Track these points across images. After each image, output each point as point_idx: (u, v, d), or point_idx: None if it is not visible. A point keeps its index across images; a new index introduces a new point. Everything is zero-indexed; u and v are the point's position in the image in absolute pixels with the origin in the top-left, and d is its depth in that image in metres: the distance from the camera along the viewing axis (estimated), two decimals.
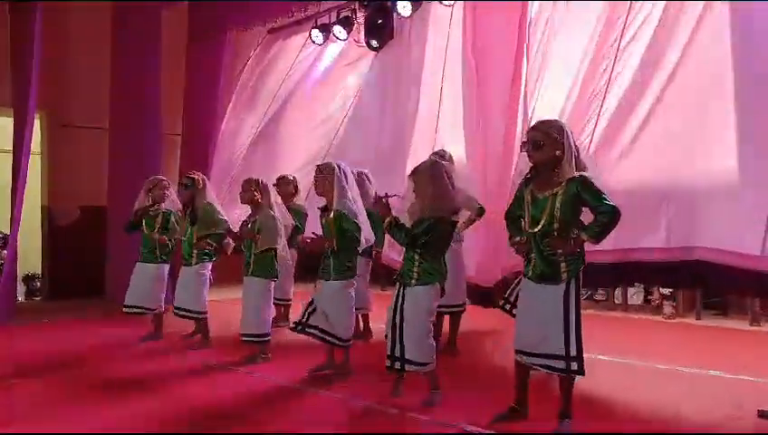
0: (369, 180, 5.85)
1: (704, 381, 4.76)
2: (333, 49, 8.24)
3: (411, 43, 7.24)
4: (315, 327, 4.76)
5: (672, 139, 4.81)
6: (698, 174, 4.66)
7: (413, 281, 4.08)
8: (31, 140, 8.00)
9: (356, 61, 7.88)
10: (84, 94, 8.88)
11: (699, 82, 4.71)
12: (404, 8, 7.20)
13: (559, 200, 3.48)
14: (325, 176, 4.70)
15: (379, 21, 7.47)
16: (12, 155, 8.03)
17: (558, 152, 3.48)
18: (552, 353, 3.48)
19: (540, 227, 3.53)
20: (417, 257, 4.07)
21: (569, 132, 3.54)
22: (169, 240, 6.19)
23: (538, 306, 3.55)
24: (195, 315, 5.92)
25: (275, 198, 5.61)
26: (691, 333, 6.73)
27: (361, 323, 6.20)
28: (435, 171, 4.07)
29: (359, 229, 4.61)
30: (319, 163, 4.98)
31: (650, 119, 4.96)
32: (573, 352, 3.44)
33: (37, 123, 8.86)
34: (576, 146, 3.56)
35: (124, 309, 6.17)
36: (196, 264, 5.86)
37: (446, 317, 5.63)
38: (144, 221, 6.15)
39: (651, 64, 5.02)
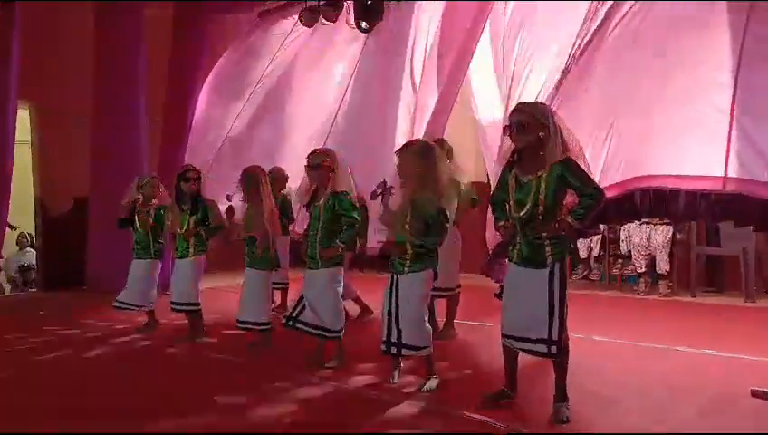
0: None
1: (698, 361, 4.74)
2: (323, 32, 8.12)
3: (400, 27, 7.14)
4: (305, 323, 4.70)
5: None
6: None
7: (406, 269, 4.06)
8: (14, 132, 7.99)
9: (347, 45, 7.76)
10: (74, 85, 8.78)
11: None
12: None
13: (543, 184, 3.43)
14: (323, 168, 4.60)
15: (369, 2, 7.37)
16: None
17: (542, 134, 3.42)
18: (536, 338, 3.47)
19: (524, 211, 3.49)
20: (408, 245, 4.04)
21: (552, 114, 3.49)
22: (162, 237, 6.17)
23: (523, 291, 3.53)
24: (192, 308, 5.84)
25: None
26: (687, 310, 6.72)
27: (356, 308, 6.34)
28: (424, 151, 4.03)
29: (356, 211, 4.56)
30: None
31: None
32: (555, 336, 3.43)
33: (27, 114, 8.85)
34: (561, 128, 3.48)
35: (114, 304, 6.13)
36: (192, 256, 5.81)
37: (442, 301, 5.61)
38: (136, 218, 6.12)
39: None
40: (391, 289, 4.10)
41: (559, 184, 3.43)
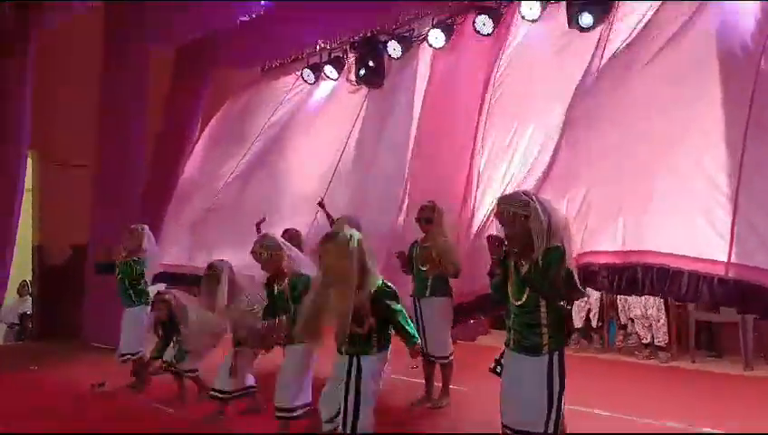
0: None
1: None
2: (324, 89, 8.20)
3: (401, 85, 7.22)
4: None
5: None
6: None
7: (374, 349, 3.84)
8: (24, 179, 8.02)
9: (347, 102, 7.84)
10: (76, 133, 8.85)
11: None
12: (394, 50, 7.23)
13: (538, 274, 3.37)
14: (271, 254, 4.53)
15: (370, 62, 7.46)
16: None
17: (529, 226, 3.39)
18: (533, 431, 3.39)
19: (523, 300, 3.46)
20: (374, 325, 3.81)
21: (536, 203, 3.43)
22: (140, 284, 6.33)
23: (520, 379, 3.47)
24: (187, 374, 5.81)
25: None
26: (686, 380, 6.61)
27: None
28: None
29: None
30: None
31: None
32: (551, 429, 3.36)
33: (28, 161, 8.88)
34: (550, 214, 3.43)
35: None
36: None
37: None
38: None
39: None
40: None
41: (545, 270, 3.36)
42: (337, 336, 3.82)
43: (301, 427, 4.64)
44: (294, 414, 4.52)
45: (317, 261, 3.94)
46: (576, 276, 3.51)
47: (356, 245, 3.72)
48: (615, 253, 4.43)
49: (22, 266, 9.14)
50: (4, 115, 7.97)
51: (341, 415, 3.78)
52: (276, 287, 4.59)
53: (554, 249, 3.37)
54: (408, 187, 6.56)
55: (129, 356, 6.30)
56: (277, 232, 5.85)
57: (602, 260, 4.46)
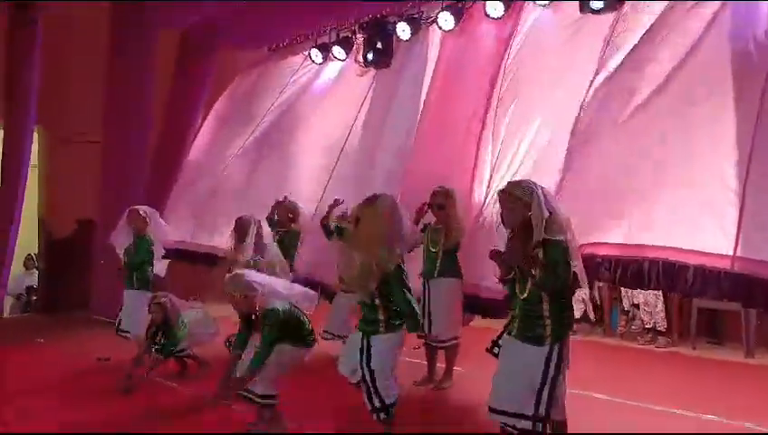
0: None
1: (701, 428, 4.71)
2: (332, 69, 8.18)
3: (409, 67, 7.19)
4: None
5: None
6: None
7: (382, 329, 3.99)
8: (30, 153, 8.05)
9: (355, 83, 7.82)
10: (82, 108, 8.86)
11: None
12: (403, 31, 7.20)
13: (538, 265, 3.41)
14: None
15: (379, 43, 7.43)
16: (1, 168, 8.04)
17: (529, 214, 3.43)
18: (521, 413, 3.45)
19: (527, 293, 3.50)
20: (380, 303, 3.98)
21: (539, 192, 3.47)
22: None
23: (518, 364, 3.52)
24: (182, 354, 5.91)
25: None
26: (686, 366, 6.68)
27: None
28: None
29: None
30: None
31: None
32: (542, 413, 3.43)
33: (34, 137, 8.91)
34: (548, 203, 3.46)
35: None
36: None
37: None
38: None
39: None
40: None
41: (555, 270, 3.40)
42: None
43: None
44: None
45: None
46: (579, 272, 3.55)
47: (390, 214, 3.91)
48: (619, 245, 4.47)
49: (28, 240, 9.21)
50: (10, 90, 7.97)
51: (365, 396, 3.96)
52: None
53: (556, 244, 3.40)
54: (410, 166, 6.55)
55: (127, 334, 6.31)
56: None
57: (605, 252, 4.50)
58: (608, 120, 4.87)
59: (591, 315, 7.99)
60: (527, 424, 3.44)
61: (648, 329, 7.45)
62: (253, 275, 4.36)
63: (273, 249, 5.64)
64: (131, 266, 6.28)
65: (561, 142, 5.20)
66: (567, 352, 3.54)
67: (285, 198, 6.75)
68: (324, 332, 6.12)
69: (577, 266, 3.55)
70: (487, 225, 5.50)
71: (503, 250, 3.59)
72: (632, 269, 4.39)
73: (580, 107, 5.18)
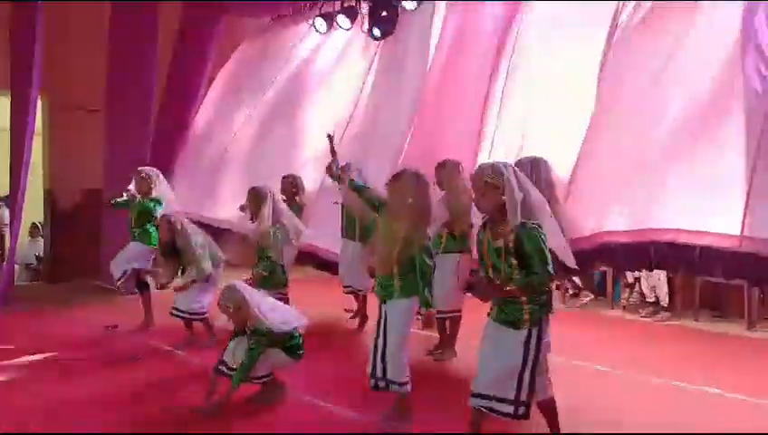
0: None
1: (700, 400, 4.77)
2: (337, 39, 8.10)
3: (414, 38, 7.11)
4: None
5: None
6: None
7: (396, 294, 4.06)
8: (34, 123, 8.02)
9: (360, 54, 7.75)
10: (85, 77, 8.83)
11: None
12: (409, 2, 7.12)
13: (512, 250, 3.36)
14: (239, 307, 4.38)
15: (383, 12, 7.35)
16: (10, 136, 8.03)
17: (503, 198, 3.36)
18: (503, 397, 3.44)
19: (500, 276, 3.44)
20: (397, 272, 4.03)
21: (510, 175, 3.38)
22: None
23: (498, 348, 3.48)
24: (195, 317, 5.95)
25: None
26: (688, 339, 6.71)
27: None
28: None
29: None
30: None
31: None
32: (523, 398, 3.42)
33: (39, 105, 8.87)
34: (525, 186, 3.41)
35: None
36: None
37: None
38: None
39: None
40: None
41: (519, 250, 3.35)
42: (377, 268, 4.11)
43: None
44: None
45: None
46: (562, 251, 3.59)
47: (415, 188, 3.93)
48: (630, 232, 4.49)
49: (32, 208, 9.25)
50: (14, 58, 7.93)
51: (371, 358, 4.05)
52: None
53: (533, 229, 3.34)
54: (414, 136, 6.58)
55: (120, 279, 6.53)
56: None
57: (618, 239, 4.53)
58: (628, 90, 4.82)
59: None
60: (509, 408, 3.43)
61: (649, 302, 7.49)
62: (248, 291, 4.36)
63: (288, 211, 5.79)
64: (134, 222, 6.52)
65: (573, 117, 5.18)
66: (547, 332, 3.49)
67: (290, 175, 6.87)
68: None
69: (560, 246, 3.53)
70: None
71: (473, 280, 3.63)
72: (642, 253, 4.44)
73: (598, 80, 5.13)
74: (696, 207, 4.17)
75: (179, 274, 5.93)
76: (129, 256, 6.54)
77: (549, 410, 3.65)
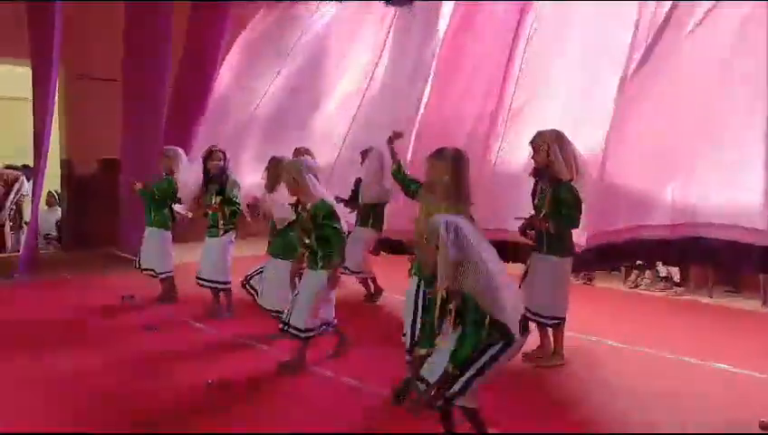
0: None
1: (709, 376, 4.80)
2: (353, 9, 8.02)
3: (430, 9, 7.02)
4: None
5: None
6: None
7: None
8: (55, 93, 8.04)
9: (377, 25, 7.69)
10: (102, 47, 8.82)
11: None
12: None
13: (550, 198, 4.55)
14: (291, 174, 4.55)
15: None
16: (32, 106, 8.06)
17: (551, 158, 4.50)
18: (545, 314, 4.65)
19: (540, 217, 4.62)
20: None
21: (558, 139, 4.53)
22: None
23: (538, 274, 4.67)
24: (220, 286, 5.99)
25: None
26: (701, 314, 6.72)
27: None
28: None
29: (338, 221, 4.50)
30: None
31: None
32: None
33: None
34: (565, 150, 4.52)
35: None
36: (223, 235, 5.95)
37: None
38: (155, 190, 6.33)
39: None
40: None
41: (556, 201, 4.54)
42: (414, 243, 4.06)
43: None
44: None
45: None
46: None
47: (452, 166, 3.99)
48: (664, 226, 4.46)
49: (49, 178, 9.32)
50: (33, 28, 7.93)
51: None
52: (300, 209, 4.65)
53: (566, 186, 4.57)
54: (428, 107, 6.53)
55: (150, 272, 6.46)
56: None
57: (652, 234, 4.50)
58: (645, 95, 4.72)
59: None
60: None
61: (662, 277, 7.49)
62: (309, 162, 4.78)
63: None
64: (152, 204, 6.37)
65: (596, 90, 5.18)
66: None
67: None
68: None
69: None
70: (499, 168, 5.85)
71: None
72: (676, 248, 4.44)
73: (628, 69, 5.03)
74: (728, 201, 4.14)
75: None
76: (163, 253, 6.42)
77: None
